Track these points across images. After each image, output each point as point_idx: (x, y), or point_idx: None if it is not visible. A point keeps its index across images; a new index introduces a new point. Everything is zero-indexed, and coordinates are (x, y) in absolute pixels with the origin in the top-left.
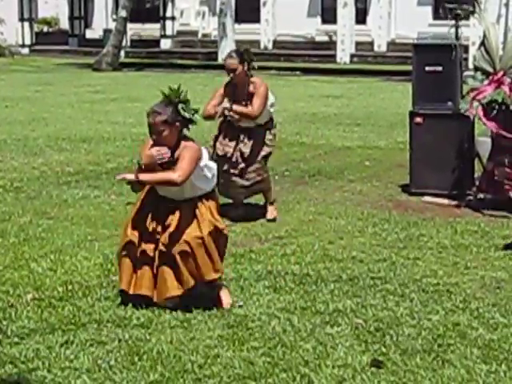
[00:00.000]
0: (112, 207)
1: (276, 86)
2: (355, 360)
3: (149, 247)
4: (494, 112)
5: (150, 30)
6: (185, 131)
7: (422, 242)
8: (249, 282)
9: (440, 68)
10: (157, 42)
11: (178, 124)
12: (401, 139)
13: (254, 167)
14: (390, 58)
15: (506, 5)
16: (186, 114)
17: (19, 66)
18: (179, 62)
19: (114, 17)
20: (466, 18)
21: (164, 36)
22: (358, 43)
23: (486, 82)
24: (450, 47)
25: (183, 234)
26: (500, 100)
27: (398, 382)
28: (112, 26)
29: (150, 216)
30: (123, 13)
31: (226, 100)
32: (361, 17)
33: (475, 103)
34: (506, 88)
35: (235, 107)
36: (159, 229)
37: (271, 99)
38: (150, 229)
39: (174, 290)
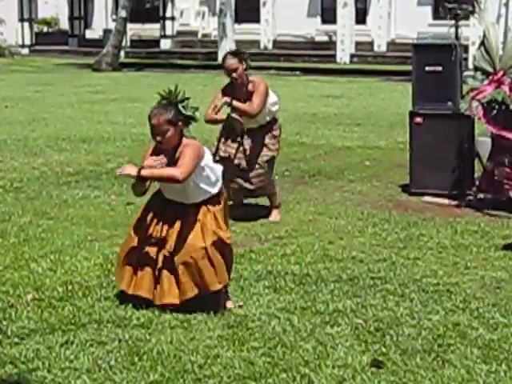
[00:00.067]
0: (112, 207)
1: (276, 86)
2: (355, 360)
3: (152, 250)
4: (494, 112)
5: (150, 30)
6: (185, 130)
7: (422, 242)
8: (249, 282)
9: (440, 68)
10: (157, 42)
11: (180, 123)
12: (401, 139)
13: (256, 172)
14: (390, 57)
15: (506, 5)
16: (188, 113)
17: (19, 67)
18: (179, 62)
19: (114, 17)
20: (466, 17)
21: (164, 36)
22: (357, 43)
23: (485, 81)
24: (449, 47)
25: (187, 243)
26: (500, 100)
27: (398, 382)
28: (112, 26)
29: (155, 219)
30: (123, 13)
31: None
32: (361, 17)
33: (475, 103)
34: (505, 88)
35: (235, 103)
36: (164, 233)
37: (273, 98)
38: (155, 232)
39: (171, 297)
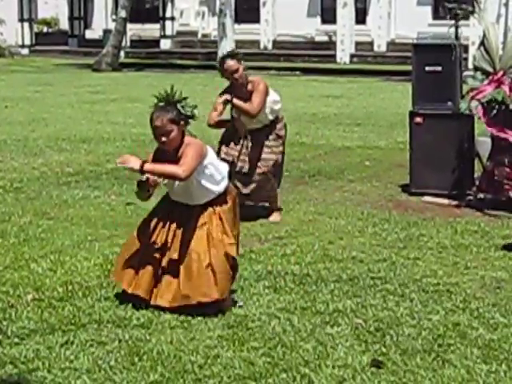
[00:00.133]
0: (112, 207)
1: (276, 86)
2: (355, 360)
3: (155, 252)
4: (494, 111)
5: (150, 30)
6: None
7: (422, 242)
8: (249, 282)
9: (440, 68)
10: (156, 43)
11: (182, 122)
12: (401, 139)
13: (257, 178)
14: (390, 58)
15: (506, 5)
16: (188, 111)
17: (19, 67)
18: (179, 62)
19: (114, 17)
20: (466, 17)
21: (164, 36)
22: (357, 43)
23: (485, 81)
24: (449, 47)
25: (190, 250)
26: (500, 99)
27: (398, 382)
28: (112, 26)
29: (161, 222)
30: (123, 13)
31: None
32: (360, 17)
33: (474, 102)
34: (505, 88)
35: (235, 101)
36: (169, 237)
37: (274, 96)
38: (159, 236)
39: (164, 300)
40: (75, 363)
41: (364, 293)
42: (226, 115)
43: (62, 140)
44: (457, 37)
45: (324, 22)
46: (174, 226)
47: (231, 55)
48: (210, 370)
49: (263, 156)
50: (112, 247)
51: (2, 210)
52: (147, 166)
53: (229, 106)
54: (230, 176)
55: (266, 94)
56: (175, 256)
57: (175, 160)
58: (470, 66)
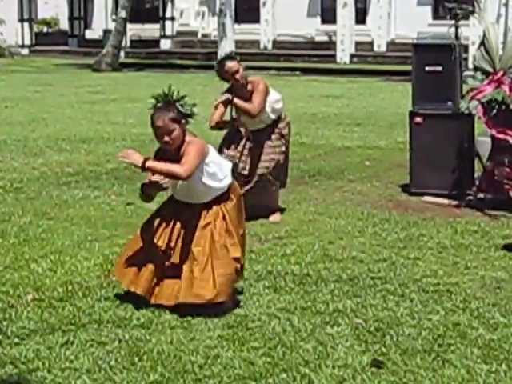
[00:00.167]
0: (112, 207)
1: (276, 86)
2: (355, 360)
3: (157, 252)
4: (494, 111)
5: (150, 30)
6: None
7: (422, 242)
8: (249, 282)
9: (440, 68)
10: (156, 43)
11: (183, 121)
12: (401, 139)
13: (257, 178)
14: (390, 58)
15: (506, 5)
16: (187, 109)
17: (19, 67)
18: (179, 62)
19: (114, 17)
20: (466, 17)
21: (164, 36)
22: (357, 43)
23: (485, 81)
24: (449, 47)
25: (194, 252)
26: (500, 99)
27: (398, 382)
28: (112, 26)
29: (164, 223)
30: (123, 13)
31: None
32: (360, 17)
33: (474, 102)
34: (505, 87)
35: (236, 100)
36: (173, 236)
37: (274, 95)
38: (162, 236)
39: (165, 299)
40: (75, 363)
41: (364, 293)
42: (227, 116)
43: (62, 140)
44: (457, 37)
45: (324, 22)
46: (177, 225)
47: (229, 57)
48: (210, 370)
49: (265, 157)
50: (112, 247)
51: (2, 210)
52: (149, 163)
53: (229, 108)
54: (235, 176)
55: (267, 93)
56: (177, 256)
57: (176, 159)
58: (470, 65)
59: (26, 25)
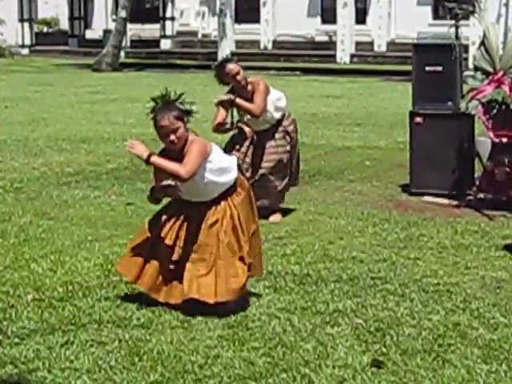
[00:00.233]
0: (112, 207)
1: (276, 86)
2: (355, 360)
3: (163, 249)
4: (494, 111)
5: (150, 30)
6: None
7: (422, 242)
8: (249, 282)
9: (440, 68)
10: (157, 43)
11: (186, 119)
12: (401, 139)
13: (258, 178)
14: (390, 58)
15: (506, 5)
16: (187, 108)
17: (19, 67)
18: (179, 62)
19: (114, 17)
20: (466, 17)
21: (164, 36)
22: (357, 43)
23: (485, 81)
24: (449, 47)
25: (198, 251)
26: (500, 99)
27: (398, 382)
28: (112, 26)
29: (171, 219)
30: (123, 13)
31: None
32: (361, 17)
33: (474, 102)
34: (505, 88)
35: (238, 100)
36: (180, 234)
37: (276, 94)
38: (169, 234)
39: (175, 298)
40: (75, 363)
41: (364, 293)
42: (228, 119)
43: (62, 140)
44: (457, 37)
45: (324, 21)
46: (184, 224)
47: (228, 60)
48: (210, 370)
49: (267, 157)
50: (112, 247)
51: (2, 210)
52: (153, 158)
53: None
54: (241, 171)
55: (267, 92)
56: (184, 254)
57: (179, 158)
58: (470, 65)
59: (26, 25)
